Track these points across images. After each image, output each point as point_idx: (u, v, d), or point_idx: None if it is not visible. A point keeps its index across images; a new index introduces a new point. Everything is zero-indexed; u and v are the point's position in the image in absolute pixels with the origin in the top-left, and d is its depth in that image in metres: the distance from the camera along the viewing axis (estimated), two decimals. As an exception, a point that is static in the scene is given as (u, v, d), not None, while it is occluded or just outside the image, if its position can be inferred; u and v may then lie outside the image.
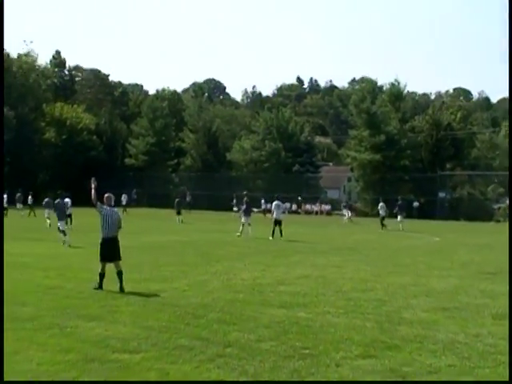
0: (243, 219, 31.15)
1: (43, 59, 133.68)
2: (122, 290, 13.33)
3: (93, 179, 14.37)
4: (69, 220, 31.04)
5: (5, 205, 43.86)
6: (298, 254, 22.47)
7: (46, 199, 35.02)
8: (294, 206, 69.24)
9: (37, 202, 45.87)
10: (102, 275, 13.60)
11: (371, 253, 23.84)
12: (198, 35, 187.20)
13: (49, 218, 33.28)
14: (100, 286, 13.51)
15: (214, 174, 73.51)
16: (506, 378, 7.60)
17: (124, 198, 56.14)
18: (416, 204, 62.03)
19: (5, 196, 43.74)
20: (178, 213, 42.84)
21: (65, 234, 24.32)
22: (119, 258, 13.73)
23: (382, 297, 13.35)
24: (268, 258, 20.89)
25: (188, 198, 62.56)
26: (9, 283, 13.95)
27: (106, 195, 14.16)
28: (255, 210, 35.91)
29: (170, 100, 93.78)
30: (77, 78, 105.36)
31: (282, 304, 12.26)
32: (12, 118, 71.55)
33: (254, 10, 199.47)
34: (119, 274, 13.53)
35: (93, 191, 14.16)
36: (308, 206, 70.51)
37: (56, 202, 26.69)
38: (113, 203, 14.16)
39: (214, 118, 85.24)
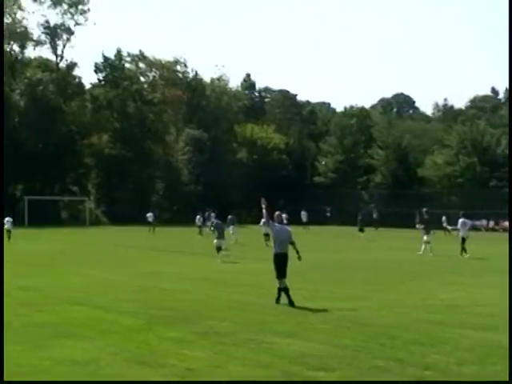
0: (425, 237, 30.27)
1: (234, 82, 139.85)
2: (291, 304, 13.55)
3: (263, 200, 14.77)
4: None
5: (199, 223, 46.26)
6: (494, 274, 21.27)
7: (230, 216, 36.88)
8: (491, 223, 65.85)
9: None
10: (283, 290, 13.85)
11: None
12: (383, 51, 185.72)
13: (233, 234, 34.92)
14: (290, 302, 13.70)
15: (406, 191, 72.00)
16: None
17: (303, 216, 56.46)
18: None
19: (198, 217, 46.08)
20: (361, 230, 43.13)
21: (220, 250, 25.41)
22: (284, 276, 13.90)
23: None
24: (462, 277, 20.03)
25: (375, 215, 61.86)
26: (206, 299, 14.63)
27: (276, 213, 14.53)
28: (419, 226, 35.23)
29: (358, 117, 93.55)
30: (266, 99, 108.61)
31: (483, 326, 11.64)
32: (206, 139, 75.49)
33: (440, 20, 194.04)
34: (284, 290, 13.76)
35: (264, 211, 14.45)
36: (507, 223, 66.64)
37: (216, 222, 28.16)
38: (284, 221, 14.39)
39: (403, 134, 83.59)
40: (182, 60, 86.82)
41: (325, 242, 40.58)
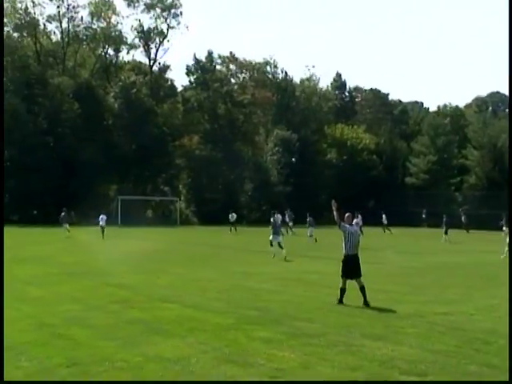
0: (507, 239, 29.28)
1: (324, 82, 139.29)
2: (366, 304, 13.79)
3: (333, 202, 14.82)
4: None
5: (290, 223, 46.68)
6: None
7: (309, 218, 39.33)
8: None
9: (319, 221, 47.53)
10: (342, 290, 14.12)
11: None
12: (479, 48, 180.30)
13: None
14: (340, 301, 14.05)
15: (501, 193, 69.68)
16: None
17: (384, 219, 55.56)
18: None
19: (279, 216, 46.45)
20: (445, 232, 42.56)
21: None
22: (360, 275, 14.14)
23: None
24: None
25: (463, 218, 60.18)
26: (295, 299, 14.64)
27: (346, 215, 14.71)
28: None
29: (452, 116, 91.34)
30: (357, 99, 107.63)
31: None
32: (295, 140, 75.56)
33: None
34: (362, 289, 13.99)
35: (335, 212, 14.52)
36: None
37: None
38: (354, 222, 14.41)
39: (499, 134, 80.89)
40: (271, 61, 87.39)
41: (417, 243, 39.79)
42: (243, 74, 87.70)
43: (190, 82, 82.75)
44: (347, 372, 8.40)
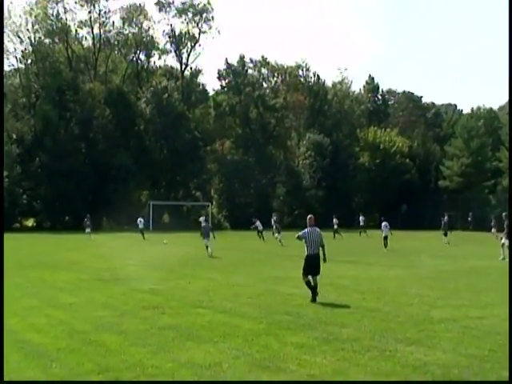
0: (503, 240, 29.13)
1: (357, 85, 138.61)
2: (314, 300, 14.99)
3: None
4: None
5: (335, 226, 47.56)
6: None
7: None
8: None
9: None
10: (308, 283, 15.43)
11: None
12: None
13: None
14: (313, 296, 15.18)
15: (535, 195, 68.59)
16: None
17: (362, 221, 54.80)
18: None
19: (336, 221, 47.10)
20: (445, 234, 43.60)
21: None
22: (318, 273, 15.52)
23: None
24: None
25: (492, 223, 59.40)
26: (327, 304, 14.60)
27: (308, 216, 15.92)
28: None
29: (486, 118, 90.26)
30: (390, 102, 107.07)
31: None
32: (328, 144, 75.42)
33: None
34: (315, 287, 15.30)
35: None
36: None
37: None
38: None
39: (534, 135, 79.82)
40: (303, 64, 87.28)
41: (454, 247, 39.32)
42: (275, 78, 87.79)
43: (221, 86, 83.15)
44: (380, 377, 8.37)
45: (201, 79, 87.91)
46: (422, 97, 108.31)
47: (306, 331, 11.50)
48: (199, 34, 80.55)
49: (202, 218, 40.61)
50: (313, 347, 10.15)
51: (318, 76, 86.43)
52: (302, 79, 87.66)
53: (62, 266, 24.49)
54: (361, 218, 53.62)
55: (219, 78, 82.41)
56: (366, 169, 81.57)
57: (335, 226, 48.66)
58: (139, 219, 46.76)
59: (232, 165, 76.13)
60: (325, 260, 15.65)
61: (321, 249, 15.56)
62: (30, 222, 67.61)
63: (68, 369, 8.86)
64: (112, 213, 64.32)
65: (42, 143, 63.67)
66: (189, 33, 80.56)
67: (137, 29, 78.36)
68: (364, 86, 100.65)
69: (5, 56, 69.87)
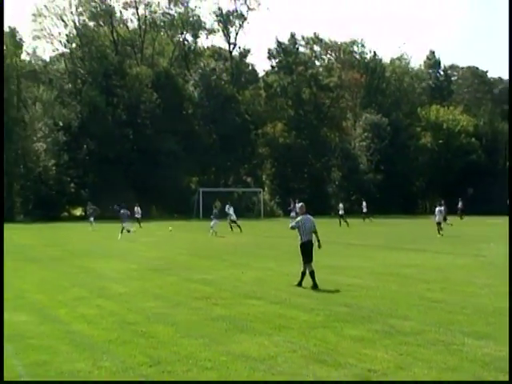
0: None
1: (417, 61, 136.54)
2: (315, 287, 15.45)
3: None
4: None
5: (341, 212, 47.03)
6: None
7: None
8: None
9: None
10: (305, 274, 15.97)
11: None
12: None
13: None
14: (299, 284, 15.88)
15: None
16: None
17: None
18: None
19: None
20: (445, 219, 42.73)
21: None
22: (311, 260, 15.99)
23: None
24: None
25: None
26: (389, 295, 14.43)
27: (299, 205, 16.79)
28: None
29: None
30: (453, 78, 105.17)
31: None
32: (386, 124, 74.53)
33: None
34: (312, 273, 15.79)
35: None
36: None
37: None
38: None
39: None
40: (359, 40, 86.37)
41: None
42: (328, 56, 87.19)
43: (272, 66, 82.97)
44: (446, 373, 8.21)
45: (250, 59, 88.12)
46: (487, 71, 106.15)
47: (366, 324, 11.37)
48: (247, 12, 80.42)
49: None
50: (373, 341, 10.04)
51: (374, 52, 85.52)
52: (357, 56, 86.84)
53: (112, 256, 24.86)
54: (363, 204, 53.24)
55: (269, 58, 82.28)
56: (428, 150, 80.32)
57: (340, 212, 47.62)
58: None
59: (284, 148, 76.00)
60: (319, 246, 16.35)
61: (314, 235, 16.20)
62: (78, 212, 68.83)
63: (119, 361, 8.96)
64: (161, 200, 65.00)
65: (89, 130, 64.61)
66: (236, 11, 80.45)
67: (183, 8, 78.69)
68: (424, 62, 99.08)
69: (49, 40, 71.16)
